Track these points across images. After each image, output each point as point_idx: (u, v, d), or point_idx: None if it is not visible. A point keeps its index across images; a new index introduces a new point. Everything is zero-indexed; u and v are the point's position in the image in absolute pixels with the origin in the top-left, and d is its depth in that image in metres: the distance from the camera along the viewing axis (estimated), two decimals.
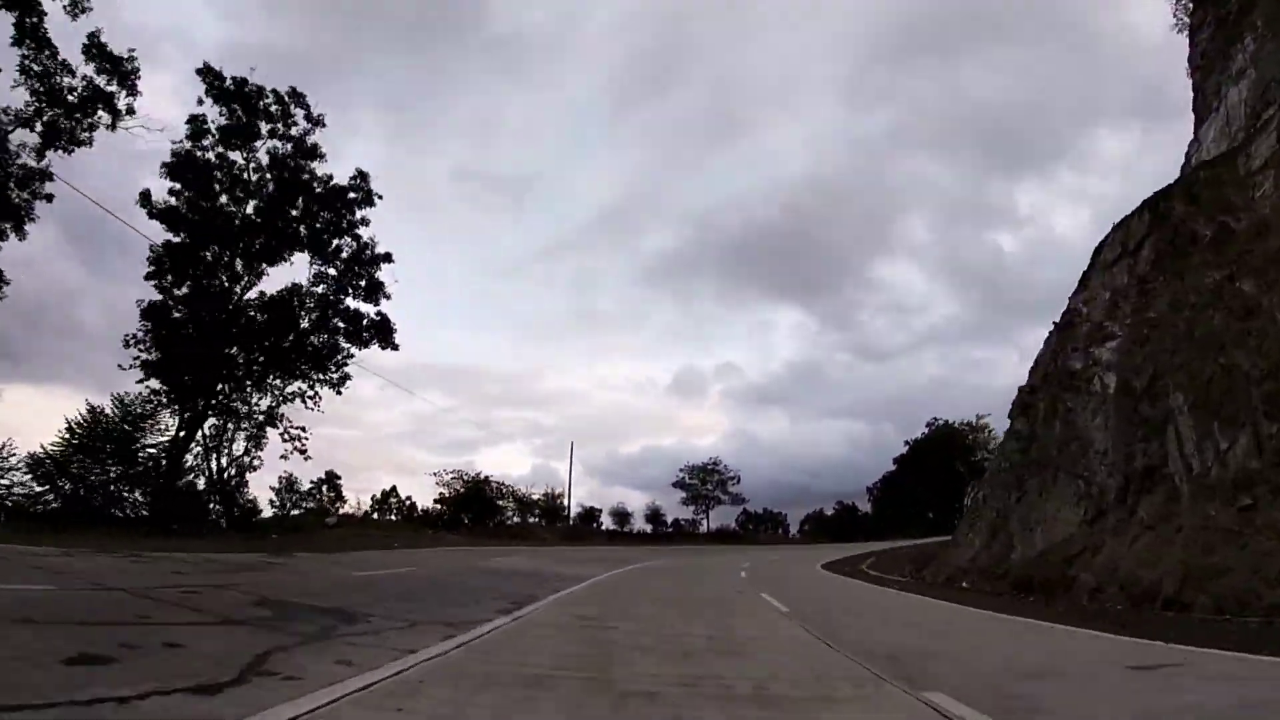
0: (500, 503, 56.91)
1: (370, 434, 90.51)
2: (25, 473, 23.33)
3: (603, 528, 68.27)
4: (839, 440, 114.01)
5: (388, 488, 56.33)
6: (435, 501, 53.83)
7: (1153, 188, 18.23)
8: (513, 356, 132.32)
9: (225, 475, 29.50)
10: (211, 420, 28.72)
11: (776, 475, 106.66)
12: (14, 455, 23.00)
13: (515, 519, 58.42)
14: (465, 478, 53.96)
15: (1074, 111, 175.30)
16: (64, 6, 20.22)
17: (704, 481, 72.46)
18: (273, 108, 28.72)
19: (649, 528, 72.07)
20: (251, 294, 29.52)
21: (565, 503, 63.91)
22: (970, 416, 69.57)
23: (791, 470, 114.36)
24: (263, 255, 29.15)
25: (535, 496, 60.82)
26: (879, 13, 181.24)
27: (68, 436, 24.54)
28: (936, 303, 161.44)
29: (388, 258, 30.91)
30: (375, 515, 50.52)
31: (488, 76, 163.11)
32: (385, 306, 30.97)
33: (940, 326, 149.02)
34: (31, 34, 20.45)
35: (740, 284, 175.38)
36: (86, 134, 22.21)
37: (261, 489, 54.63)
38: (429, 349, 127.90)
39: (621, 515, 70.66)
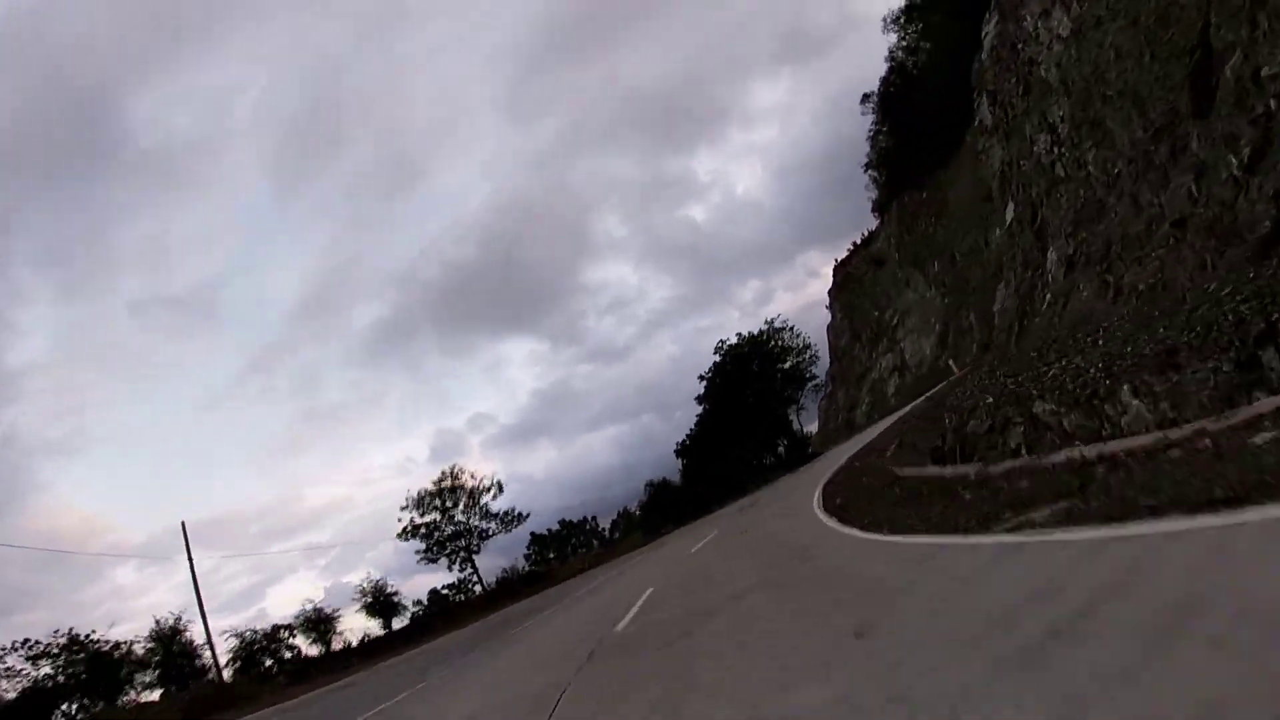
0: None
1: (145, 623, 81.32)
2: None
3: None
4: (611, 447, 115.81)
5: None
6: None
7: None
8: (263, 487, 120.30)
9: None
10: None
11: (568, 501, 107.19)
12: None
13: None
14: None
15: (726, 73, 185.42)
16: None
17: (445, 507, 55.63)
18: None
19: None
20: None
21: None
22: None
23: (579, 492, 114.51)
24: None
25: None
26: (523, 22, 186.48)
27: None
28: (651, 288, 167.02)
29: None
30: None
31: (145, 195, 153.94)
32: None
33: (662, 309, 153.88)
34: None
35: (463, 331, 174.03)
36: None
37: None
38: (176, 510, 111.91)
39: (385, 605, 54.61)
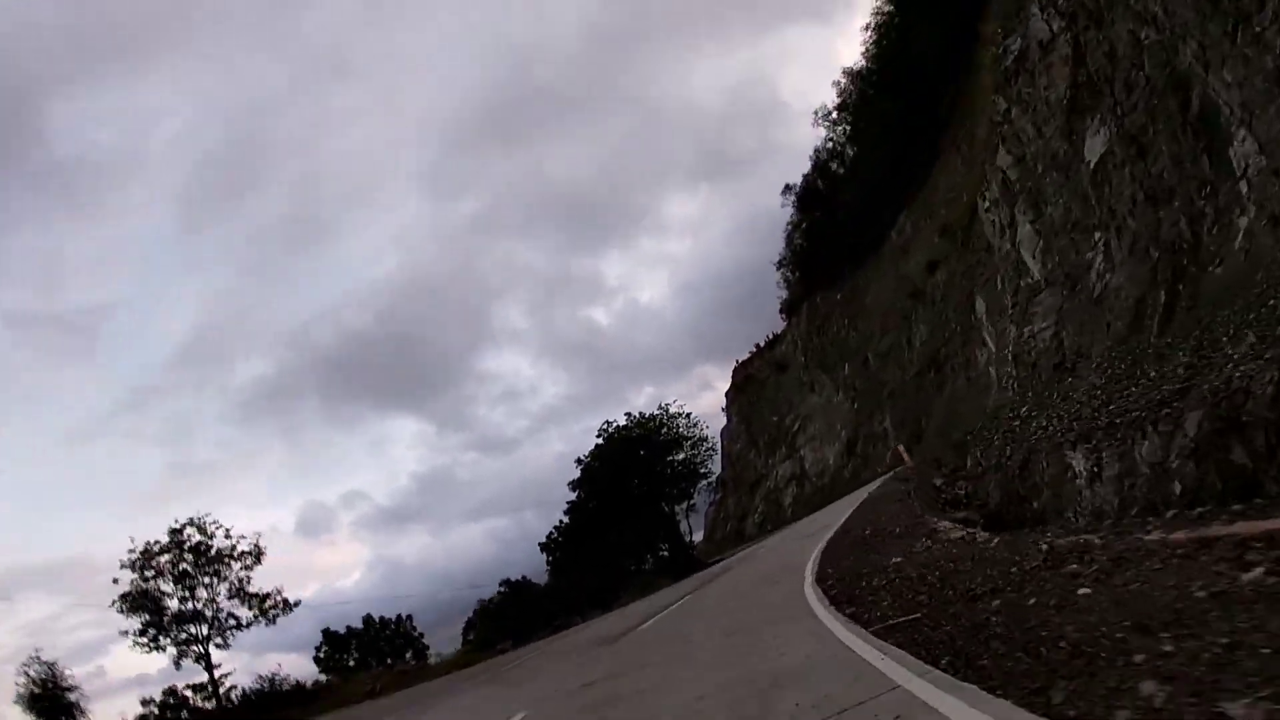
0: None
1: None
2: None
3: None
4: (488, 541, 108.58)
5: None
6: None
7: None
8: (117, 533, 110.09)
9: None
10: None
11: (437, 591, 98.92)
12: None
13: None
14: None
15: (646, 181, 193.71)
16: None
17: (183, 574, 38.99)
18: None
19: None
20: None
21: None
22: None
23: (447, 583, 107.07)
24: None
25: None
26: (457, 99, 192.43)
27: None
28: (546, 383, 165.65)
29: None
30: None
31: (46, 207, 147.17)
32: None
33: (555, 405, 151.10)
34: None
35: (349, 401, 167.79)
36: None
37: None
38: (19, 542, 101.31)
39: None
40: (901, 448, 27.08)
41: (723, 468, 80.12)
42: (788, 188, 67.55)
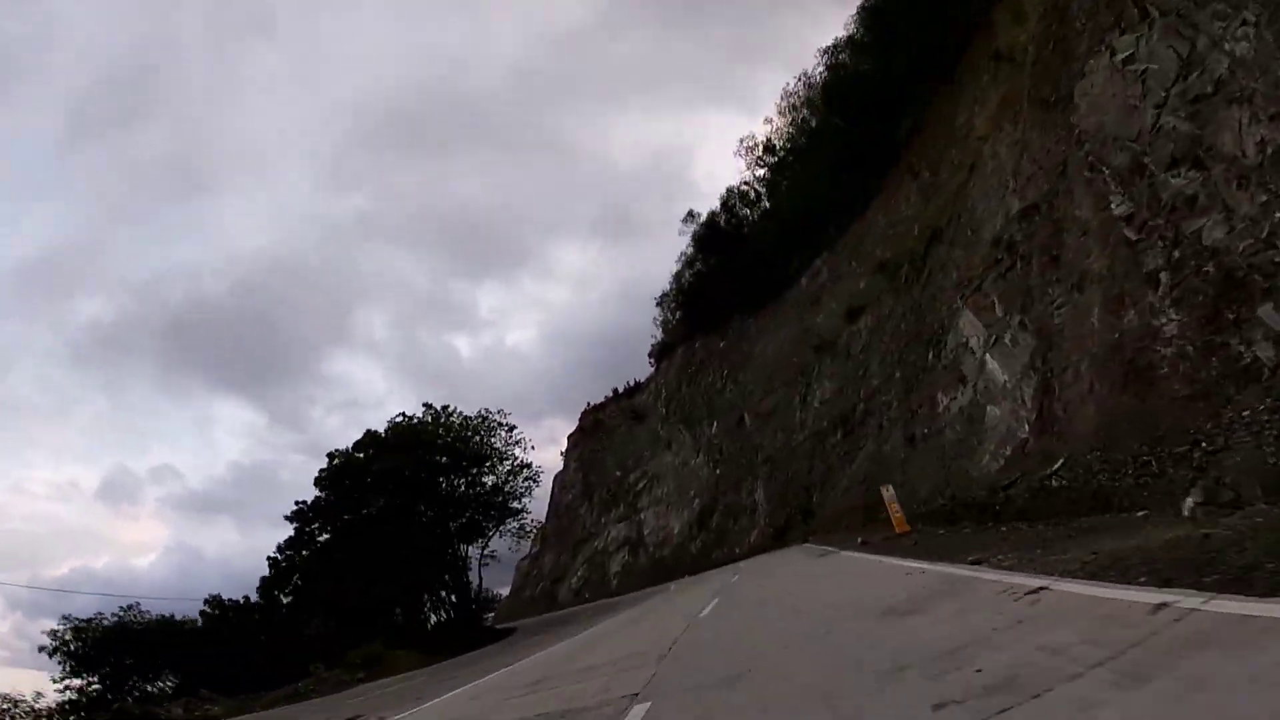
0: None
1: None
2: None
3: None
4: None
5: None
6: None
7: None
8: None
9: None
10: None
11: (229, 590, 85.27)
12: None
13: None
14: None
15: (543, 223, 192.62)
16: None
17: None
18: None
19: None
20: None
21: None
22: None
23: (244, 585, 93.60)
24: None
25: None
26: (375, 93, 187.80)
27: None
28: (394, 401, 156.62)
29: None
30: None
31: None
32: None
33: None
34: None
35: (183, 371, 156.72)
36: None
37: None
38: None
39: None
40: (889, 493, 18.06)
41: (548, 517, 69.21)
42: (690, 215, 59.70)
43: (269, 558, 35.34)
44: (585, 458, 68.72)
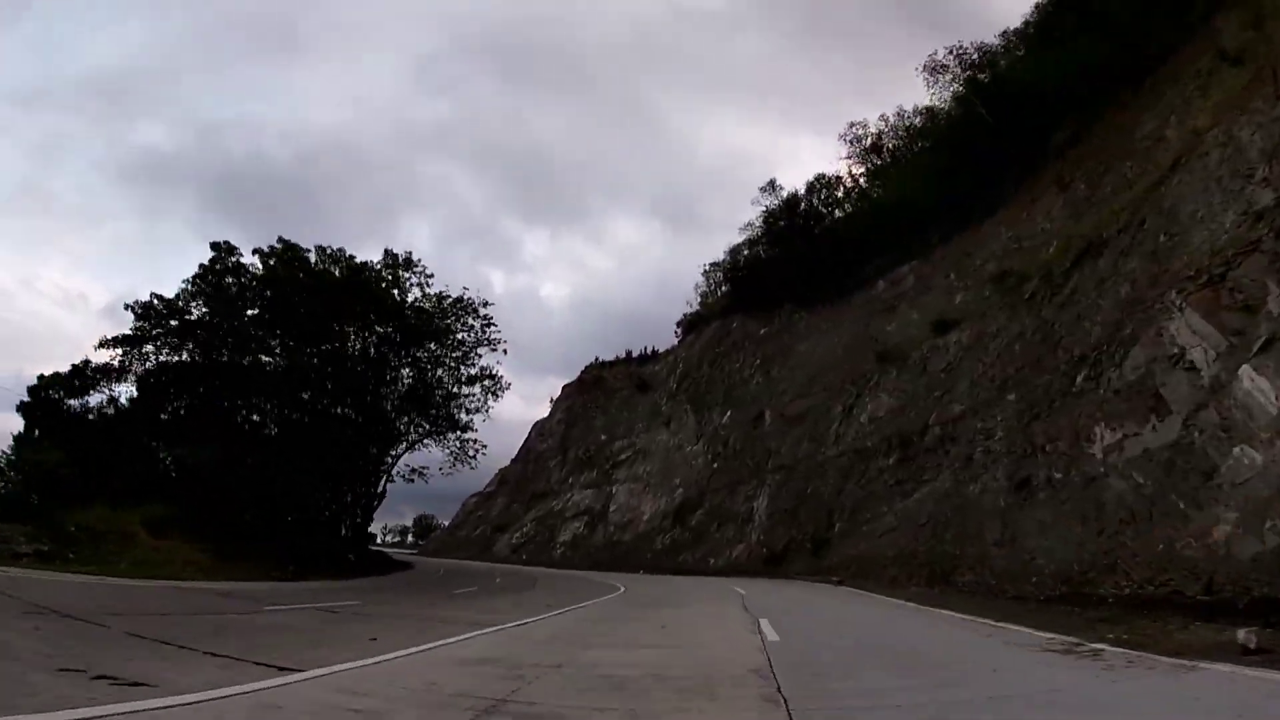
0: None
1: None
2: None
3: None
4: None
5: None
6: None
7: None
8: None
9: None
10: None
11: None
12: None
13: None
14: None
15: (609, 187, 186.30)
16: None
17: None
18: None
19: None
20: None
21: None
22: None
23: None
24: None
25: None
26: (476, 10, 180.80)
27: None
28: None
29: None
30: None
31: None
32: None
33: None
34: None
35: (221, 221, 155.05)
36: None
37: None
38: None
39: None
40: None
41: (515, 460, 62.62)
42: (771, 186, 52.28)
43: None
44: (575, 410, 61.87)
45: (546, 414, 66.21)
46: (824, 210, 51.33)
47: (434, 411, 31.96)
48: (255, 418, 28.75)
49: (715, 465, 39.79)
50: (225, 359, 27.38)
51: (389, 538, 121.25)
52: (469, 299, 32.12)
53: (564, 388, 67.10)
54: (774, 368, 42.82)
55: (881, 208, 40.51)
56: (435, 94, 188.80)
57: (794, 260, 45.63)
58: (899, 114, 45.74)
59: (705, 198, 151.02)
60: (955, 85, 38.90)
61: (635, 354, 64.38)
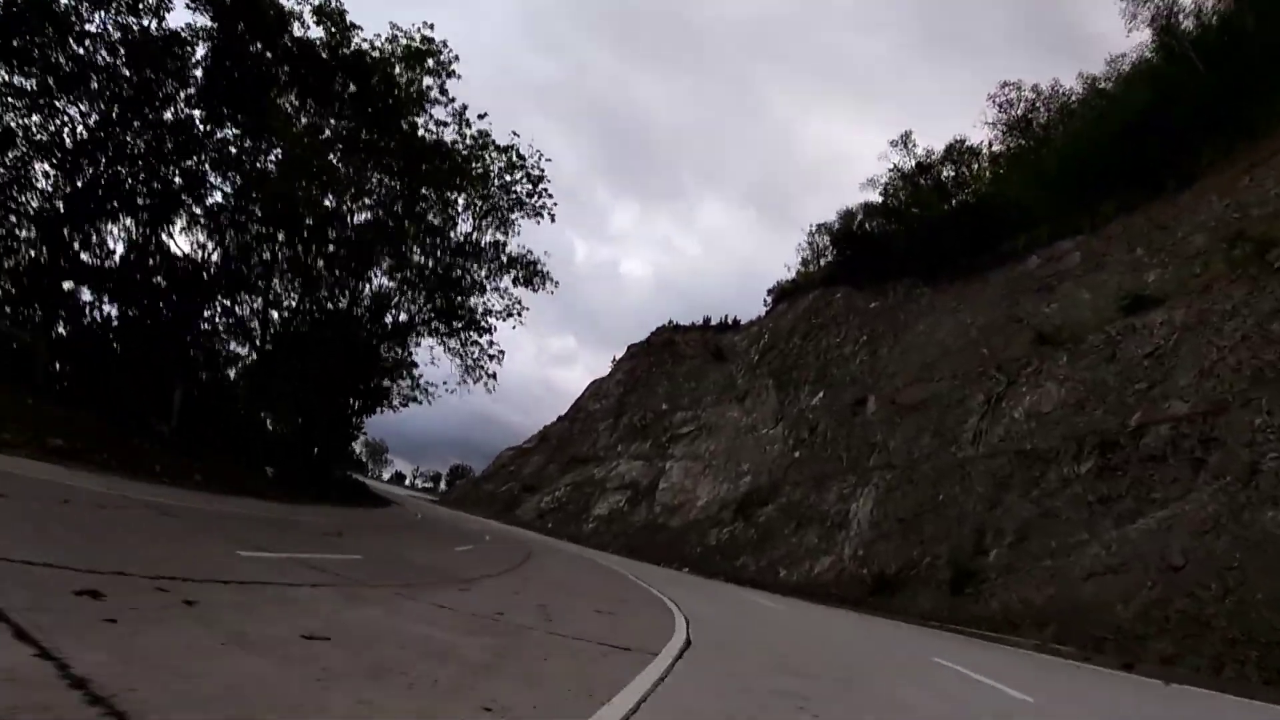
0: None
1: None
2: None
3: None
4: None
5: None
6: None
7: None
8: None
9: None
10: None
11: None
12: None
13: None
14: None
15: (705, 169, 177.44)
16: None
17: None
18: None
19: None
20: None
21: None
22: None
23: None
24: None
25: None
26: None
27: None
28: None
29: None
30: None
31: None
32: None
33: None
34: None
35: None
36: None
37: None
38: None
39: None
40: None
41: (563, 418, 55.93)
42: (904, 140, 43.84)
43: None
44: (637, 373, 54.67)
45: (605, 375, 59.25)
46: (962, 176, 43.42)
47: (450, 298, 24.61)
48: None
49: (797, 453, 32.02)
50: None
51: (419, 482, 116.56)
52: (517, 149, 24.20)
53: (629, 347, 59.94)
54: (883, 347, 34.80)
55: (1036, 177, 33.04)
56: (543, 51, 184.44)
57: (920, 229, 37.84)
58: (1054, 88, 38.58)
59: (803, 193, 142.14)
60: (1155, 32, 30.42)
61: (714, 321, 56.94)
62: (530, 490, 46.61)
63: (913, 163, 44.63)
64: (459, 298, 24.73)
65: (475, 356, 25.17)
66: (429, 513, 33.92)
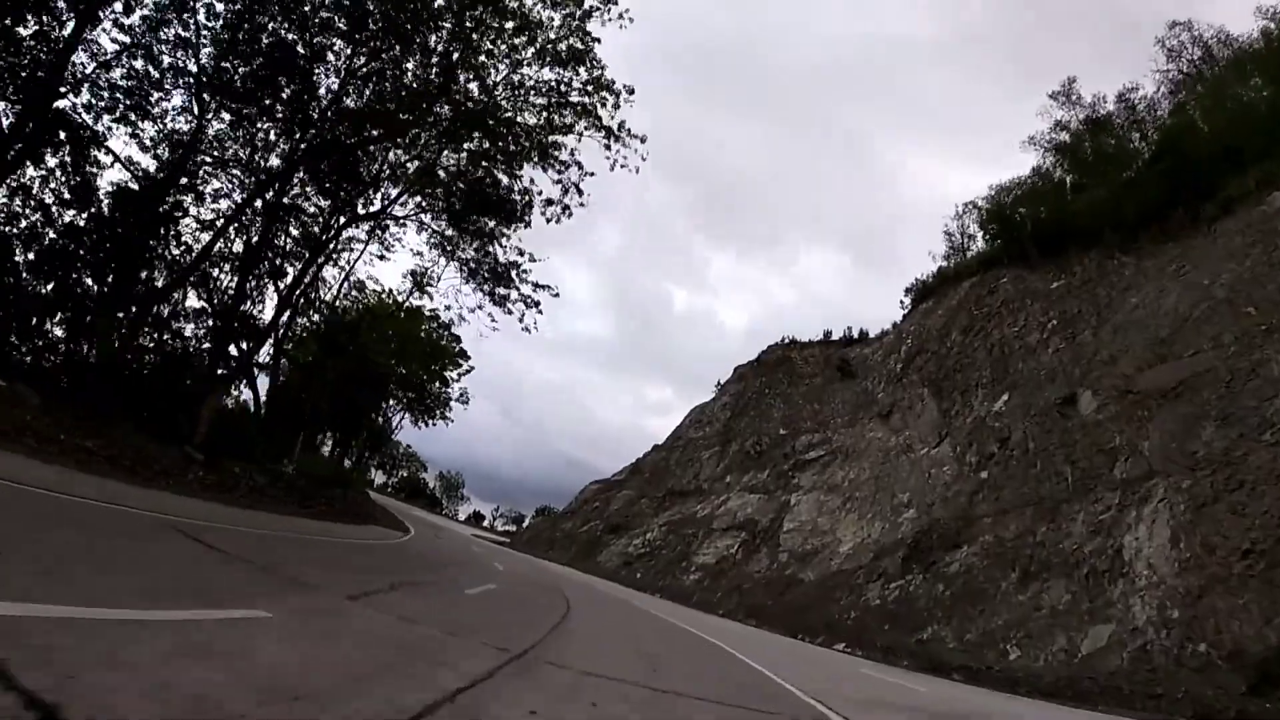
0: None
1: None
2: None
3: None
4: None
5: None
6: None
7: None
8: None
9: None
10: None
11: None
12: None
13: None
14: None
15: (799, 215, 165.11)
16: None
17: None
18: None
19: None
20: None
21: None
22: None
23: None
24: None
25: None
26: (678, 24, 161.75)
27: None
28: (590, 312, 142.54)
29: None
30: None
31: None
32: None
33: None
34: None
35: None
36: None
37: None
38: None
39: None
40: None
41: (660, 447, 47.69)
42: (1066, 93, 34.88)
43: None
44: (747, 395, 46.09)
45: (708, 400, 50.83)
46: (1142, 126, 34.12)
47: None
48: None
49: (984, 474, 22.72)
50: None
51: (498, 523, 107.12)
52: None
53: (736, 368, 51.45)
54: (1080, 329, 25.69)
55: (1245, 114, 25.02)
56: (637, 102, 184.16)
57: (1102, 191, 28.77)
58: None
59: (904, 238, 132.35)
60: None
61: (837, 335, 47.93)
62: (615, 531, 38.22)
63: (1079, 123, 35.56)
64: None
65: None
66: (454, 551, 24.14)
